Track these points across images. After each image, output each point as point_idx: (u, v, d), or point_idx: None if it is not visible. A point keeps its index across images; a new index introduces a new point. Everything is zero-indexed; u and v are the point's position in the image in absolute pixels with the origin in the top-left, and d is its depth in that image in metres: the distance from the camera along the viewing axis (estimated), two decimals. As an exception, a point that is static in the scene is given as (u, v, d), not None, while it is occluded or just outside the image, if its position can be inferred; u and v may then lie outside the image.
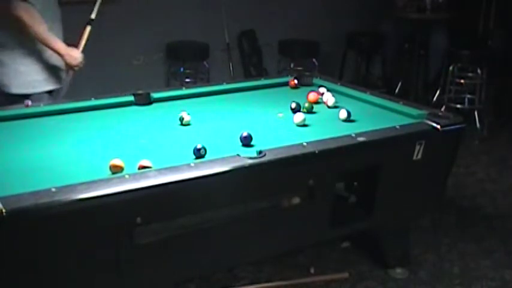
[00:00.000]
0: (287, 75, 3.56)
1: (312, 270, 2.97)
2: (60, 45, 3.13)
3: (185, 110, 2.75)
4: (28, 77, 3.09)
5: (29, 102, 2.86)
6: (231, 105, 3.04)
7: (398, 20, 5.75)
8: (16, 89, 3.09)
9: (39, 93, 3.12)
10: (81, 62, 3.23)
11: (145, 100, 3.00)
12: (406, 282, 2.95)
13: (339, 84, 3.37)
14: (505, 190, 4.09)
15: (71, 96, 3.03)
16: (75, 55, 3.20)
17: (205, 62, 5.09)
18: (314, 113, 2.88)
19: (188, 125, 2.69)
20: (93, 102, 2.90)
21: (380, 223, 2.75)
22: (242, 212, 2.20)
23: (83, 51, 3.28)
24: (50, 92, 3.20)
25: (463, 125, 2.74)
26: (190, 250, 2.12)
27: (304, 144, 2.32)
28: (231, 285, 2.84)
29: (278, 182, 2.24)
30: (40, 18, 3.02)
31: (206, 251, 2.17)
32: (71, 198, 1.81)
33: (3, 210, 1.68)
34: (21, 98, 2.98)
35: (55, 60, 3.17)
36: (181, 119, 2.68)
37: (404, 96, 4.56)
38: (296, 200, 2.33)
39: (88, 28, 3.37)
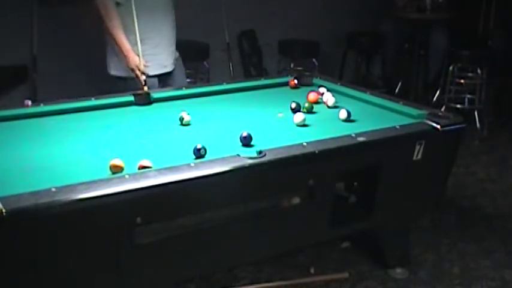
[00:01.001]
0: (287, 75, 3.56)
1: (312, 270, 2.97)
2: (124, 47, 3.27)
3: (185, 110, 2.75)
4: (123, 62, 3.32)
5: (29, 102, 2.86)
6: (231, 105, 3.04)
7: (398, 20, 5.75)
8: (113, 71, 3.41)
9: (132, 78, 3.31)
10: (137, 66, 3.26)
11: (145, 100, 3.00)
12: (406, 282, 2.95)
13: (339, 84, 3.37)
14: (505, 190, 4.09)
15: (71, 96, 3.04)
16: (132, 58, 3.26)
17: (205, 62, 5.08)
18: (314, 113, 2.88)
19: (188, 125, 2.69)
20: (93, 102, 2.90)
21: (380, 223, 2.75)
22: (242, 212, 2.20)
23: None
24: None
25: (463, 125, 2.74)
26: (190, 250, 2.12)
27: (304, 144, 2.31)
28: (231, 285, 2.84)
29: (278, 182, 2.24)
30: (115, 14, 3.24)
31: (206, 251, 2.17)
32: (71, 198, 1.81)
33: (3, 210, 1.68)
34: (118, 79, 3.37)
35: (151, 51, 3.35)
36: (181, 119, 2.68)
37: (404, 96, 4.55)
38: (296, 200, 2.33)
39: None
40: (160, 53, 3.44)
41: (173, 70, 3.54)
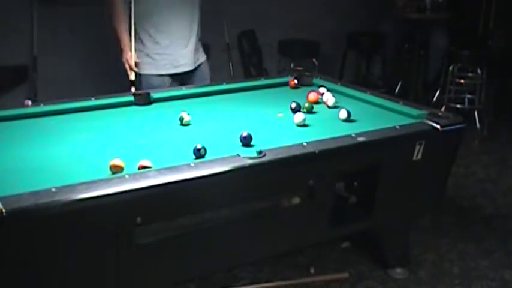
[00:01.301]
0: (287, 75, 3.55)
1: (312, 270, 2.97)
2: (122, 41, 3.35)
3: (185, 110, 2.75)
4: (139, 59, 3.39)
5: (29, 102, 2.86)
6: (231, 105, 3.04)
7: (398, 20, 5.75)
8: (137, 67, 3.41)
9: (145, 75, 3.43)
10: (127, 60, 3.35)
11: (145, 100, 3.00)
12: (406, 282, 2.95)
13: (339, 84, 3.37)
14: (505, 190, 4.09)
15: (71, 96, 3.04)
16: (125, 53, 3.35)
17: (205, 62, 5.08)
18: (314, 113, 2.88)
19: (188, 125, 2.69)
20: (93, 102, 2.90)
21: (380, 223, 2.75)
22: (242, 212, 2.20)
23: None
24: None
25: (463, 125, 2.74)
26: (190, 250, 2.12)
27: (304, 144, 2.31)
28: (231, 285, 2.84)
29: (278, 182, 2.24)
30: (120, 9, 3.33)
31: (206, 251, 2.17)
32: (71, 198, 1.81)
33: (3, 210, 1.68)
34: (139, 76, 3.39)
35: (161, 50, 3.42)
36: (181, 119, 2.68)
37: (404, 96, 4.55)
38: (296, 200, 2.33)
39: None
40: (172, 53, 3.46)
41: (194, 72, 3.58)
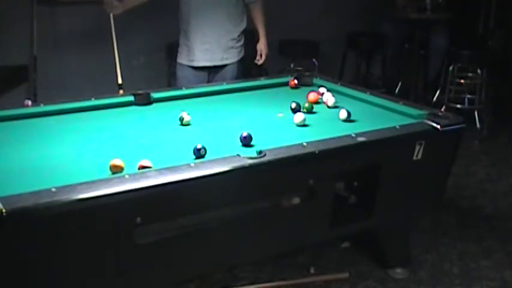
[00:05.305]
0: (287, 75, 3.56)
1: (312, 270, 2.97)
2: None
3: (185, 110, 2.75)
4: (179, 48, 3.84)
5: (29, 102, 2.86)
6: (231, 105, 3.04)
7: (398, 20, 5.75)
8: (178, 58, 3.86)
9: (180, 64, 3.82)
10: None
11: (145, 100, 3.00)
12: (406, 282, 2.95)
13: (339, 84, 3.37)
14: (505, 190, 4.09)
15: (71, 96, 3.04)
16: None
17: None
18: (314, 113, 2.88)
19: (188, 125, 2.69)
20: (93, 102, 2.90)
21: (380, 223, 2.75)
22: (242, 212, 2.20)
23: None
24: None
25: (463, 125, 2.74)
26: (190, 250, 2.12)
27: (304, 144, 2.31)
28: (231, 285, 2.84)
29: (278, 182, 2.24)
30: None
31: (206, 251, 2.17)
32: (71, 198, 1.81)
33: (3, 210, 1.68)
34: (179, 65, 3.83)
35: (193, 42, 3.73)
36: (181, 119, 2.68)
37: (404, 96, 4.56)
38: (296, 200, 2.33)
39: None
40: (192, 47, 3.72)
41: (225, 67, 3.80)
